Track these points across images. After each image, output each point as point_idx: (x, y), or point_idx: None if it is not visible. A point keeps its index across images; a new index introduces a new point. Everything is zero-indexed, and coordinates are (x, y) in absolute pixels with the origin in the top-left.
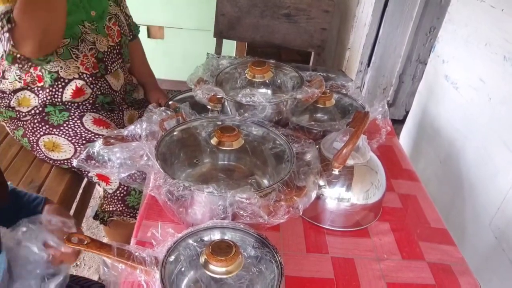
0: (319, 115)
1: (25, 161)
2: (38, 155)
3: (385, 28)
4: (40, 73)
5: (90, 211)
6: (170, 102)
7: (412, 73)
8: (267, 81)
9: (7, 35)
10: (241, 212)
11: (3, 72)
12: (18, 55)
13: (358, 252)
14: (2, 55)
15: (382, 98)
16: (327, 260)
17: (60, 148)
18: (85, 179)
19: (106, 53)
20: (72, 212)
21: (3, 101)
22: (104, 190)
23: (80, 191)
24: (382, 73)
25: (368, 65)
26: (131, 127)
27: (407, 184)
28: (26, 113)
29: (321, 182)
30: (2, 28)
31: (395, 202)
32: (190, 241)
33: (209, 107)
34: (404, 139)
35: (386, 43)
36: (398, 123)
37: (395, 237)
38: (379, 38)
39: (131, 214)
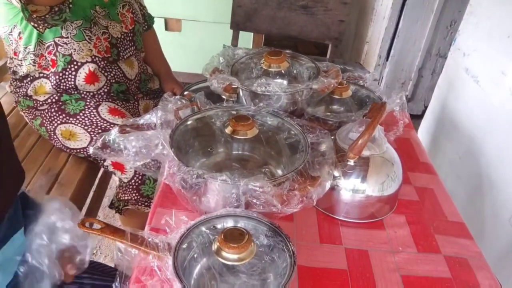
0: (335, 106)
1: (43, 150)
2: (55, 144)
3: (405, 21)
4: (54, 57)
5: (106, 201)
6: (185, 93)
7: (431, 67)
8: (282, 71)
9: None
10: (254, 201)
11: (18, 53)
12: (34, 15)
13: (372, 244)
14: (20, 32)
15: (399, 90)
16: (341, 251)
17: (77, 137)
18: (101, 169)
19: (119, 39)
20: (88, 201)
21: (21, 90)
22: (120, 179)
23: (97, 181)
24: (401, 67)
25: (387, 59)
26: (147, 116)
27: (424, 177)
28: (43, 102)
29: (336, 173)
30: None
31: (411, 195)
32: (203, 228)
33: (224, 96)
34: (423, 134)
35: (405, 37)
36: (417, 118)
37: (411, 230)
38: (398, 31)
39: (146, 203)
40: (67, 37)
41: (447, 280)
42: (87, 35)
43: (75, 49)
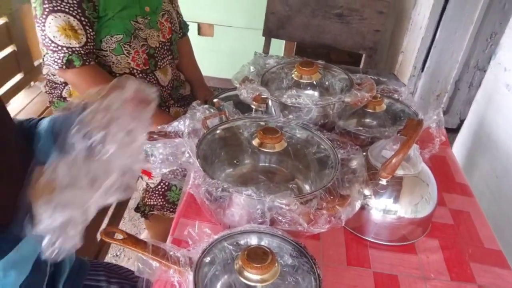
0: (367, 120)
1: None
2: None
3: (443, 32)
4: None
5: (133, 203)
6: (215, 100)
7: (469, 80)
8: (314, 82)
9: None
10: (280, 218)
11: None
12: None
13: (402, 268)
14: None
15: (436, 105)
16: (369, 275)
17: None
18: None
19: (157, 49)
20: (114, 203)
21: (55, 91)
22: (146, 184)
23: None
24: (437, 79)
25: (422, 69)
26: (175, 123)
27: (460, 199)
28: None
29: (367, 192)
30: (62, 65)
31: (446, 218)
32: (226, 244)
33: (253, 106)
34: (458, 150)
35: (442, 48)
36: (451, 132)
37: (444, 255)
38: (435, 42)
39: (171, 209)
40: (106, 50)
41: None
42: (125, 50)
43: (113, 62)
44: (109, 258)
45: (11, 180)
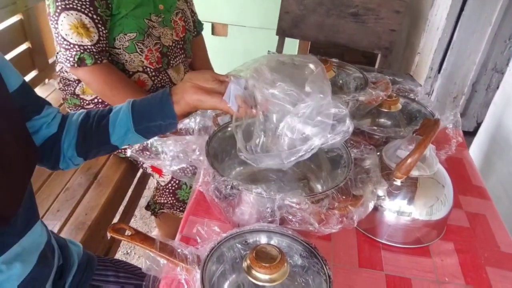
0: (382, 120)
1: None
2: None
3: (460, 33)
4: None
5: (144, 201)
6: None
7: (486, 83)
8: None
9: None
10: (290, 217)
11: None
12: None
13: (416, 272)
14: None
15: (452, 107)
16: (381, 278)
17: None
18: (140, 170)
19: (170, 47)
20: (126, 200)
21: (69, 88)
22: (157, 182)
23: (135, 181)
24: (454, 80)
25: (439, 71)
26: (186, 121)
27: (477, 202)
28: (90, 101)
29: (380, 193)
30: (74, 63)
31: (461, 221)
32: (235, 242)
33: None
34: (474, 153)
35: (460, 49)
36: (468, 135)
37: (459, 259)
38: (452, 43)
39: (181, 208)
40: (119, 48)
41: None
42: (139, 48)
43: (126, 60)
44: (119, 256)
45: (11, 172)
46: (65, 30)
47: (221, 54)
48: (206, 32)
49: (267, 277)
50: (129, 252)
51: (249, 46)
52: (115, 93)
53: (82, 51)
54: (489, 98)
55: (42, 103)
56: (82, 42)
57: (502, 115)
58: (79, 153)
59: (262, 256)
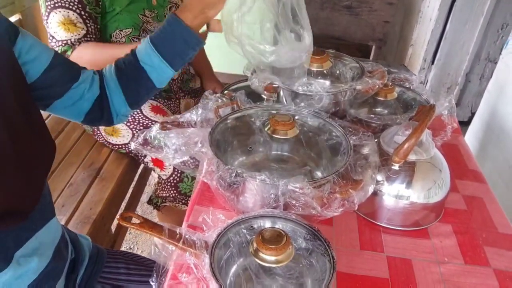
0: (379, 109)
1: (86, 144)
2: (98, 139)
3: (453, 23)
4: None
5: (145, 198)
6: (225, 92)
7: (480, 72)
8: (325, 71)
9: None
10: (293, 202)
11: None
12: None
13: (416, 253)
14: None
15: (448, 94)
16: (382, 259)
17: (119, 133)
18: (142, 165)
19: None
20: (128, 196)
21: None
22: (159, 176)
23: (137, 177)
24: (447, 71)
25: (433, 62)
26: (187, 114)
27: (473, 186)
28: None
29: (379, 177)
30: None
31: (459, 204)
32: (241, 228)
33: (264, 96)
34: (470, 141)
35: (452, 40)
36: (463, 124)
37: (458, 240)
38: (445, 34)
39: (183, 201)
40: None
41: None
42: (135, 43)
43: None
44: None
45: (29, 168)
46: (53, 28)
47: (217, 50)
48: (201, 28)
49: (273, 258)
50: (132, 247)
51: None
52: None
53: (63, 45)
54: (483, 87)
55: (78, 69)
56: (66, 36)
57: (495, 103)
58: (132, 105)
59: (268, 238)
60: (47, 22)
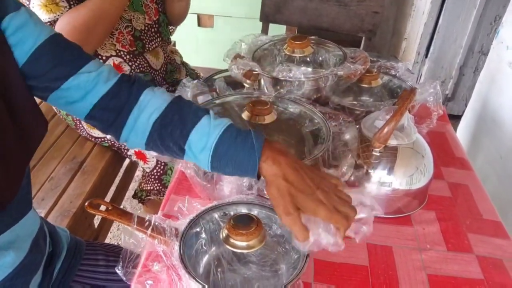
0: (364, 97)
1: (69, 138)
2: (81, 133)
3: (445, 16)
4: None
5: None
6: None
7: (474, 65)
8: (307, 58)
9: None
10: None
11: None
12: None
13: (397, 240)
14: None
15: (433, 80)
16: (362, 246)
17: None
18: (127, 159)
19: (143, 31)
20: (113, 190)
21: None
22: (143, 169)
23: (122, 172)
24: (441, 64)
25: (426, 56)
26: None
27: (459, 173)
28: None
29: (361, 163)
30: None
31: (443, 191)
32: (214, 215)
33: (245, 85)
34: (462, 133)
35: (446, 33)
36: (458, 118)
37: (441, 227)
38: (438, 27)
39: None
40: None
41: (479, 282)
42: None
43: None
44: None
45: (9, 158)
46: (36, 11)
47: (207, 45)
48: (192, 24)
49: (244, 244)
50: (120, 243)
51: (236, 37)
52: (86, 36)
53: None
54: (477, 81)
55: (86, 57)
56: (50, 18)
57: (487, 94)
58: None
59: (239, 224)
60: (28, 6)
